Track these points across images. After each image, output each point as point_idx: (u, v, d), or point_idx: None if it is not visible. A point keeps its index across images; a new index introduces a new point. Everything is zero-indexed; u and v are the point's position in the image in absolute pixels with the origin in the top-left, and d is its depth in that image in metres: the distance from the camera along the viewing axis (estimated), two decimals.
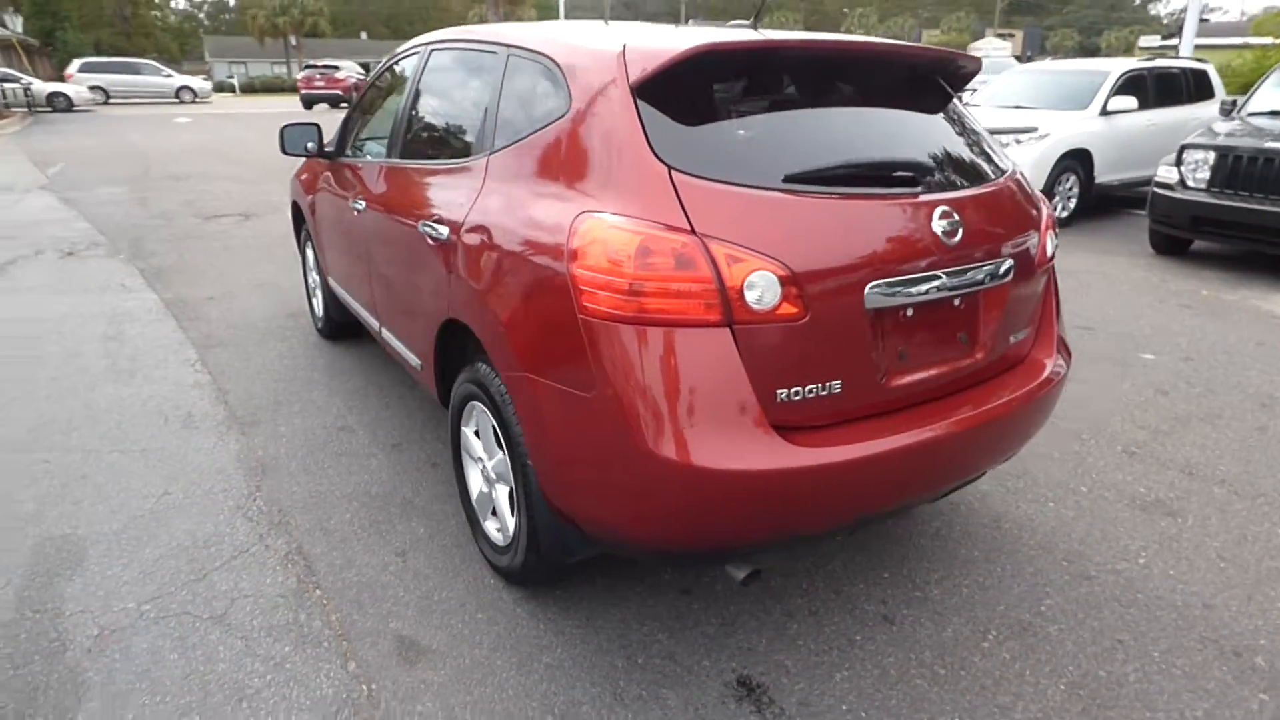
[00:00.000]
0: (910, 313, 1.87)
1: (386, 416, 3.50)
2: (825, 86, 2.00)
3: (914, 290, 1.81)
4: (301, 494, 2.86)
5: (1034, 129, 7.59)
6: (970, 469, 2.11)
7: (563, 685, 2.00)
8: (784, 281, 1.65)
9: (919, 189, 1.90)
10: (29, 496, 2.82)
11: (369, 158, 3.31)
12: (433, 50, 2.89)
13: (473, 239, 2.13)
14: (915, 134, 2.10)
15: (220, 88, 39.60)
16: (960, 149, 2.12)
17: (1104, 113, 7.90)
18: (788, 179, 1.74)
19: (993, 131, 7.75)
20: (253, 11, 51.68)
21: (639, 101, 1.77)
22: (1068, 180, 7.81)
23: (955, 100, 2.27)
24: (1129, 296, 5.55)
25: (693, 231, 1.63)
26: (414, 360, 2.77)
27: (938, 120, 2.16)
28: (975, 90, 9.70)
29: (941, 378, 1.98)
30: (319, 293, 4.36)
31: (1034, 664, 2.08)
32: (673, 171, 1.69)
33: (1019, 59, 29.83)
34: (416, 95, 2.90)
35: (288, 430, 3.36)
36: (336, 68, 30.07)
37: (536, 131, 2.05)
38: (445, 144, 2.66)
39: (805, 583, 2.41)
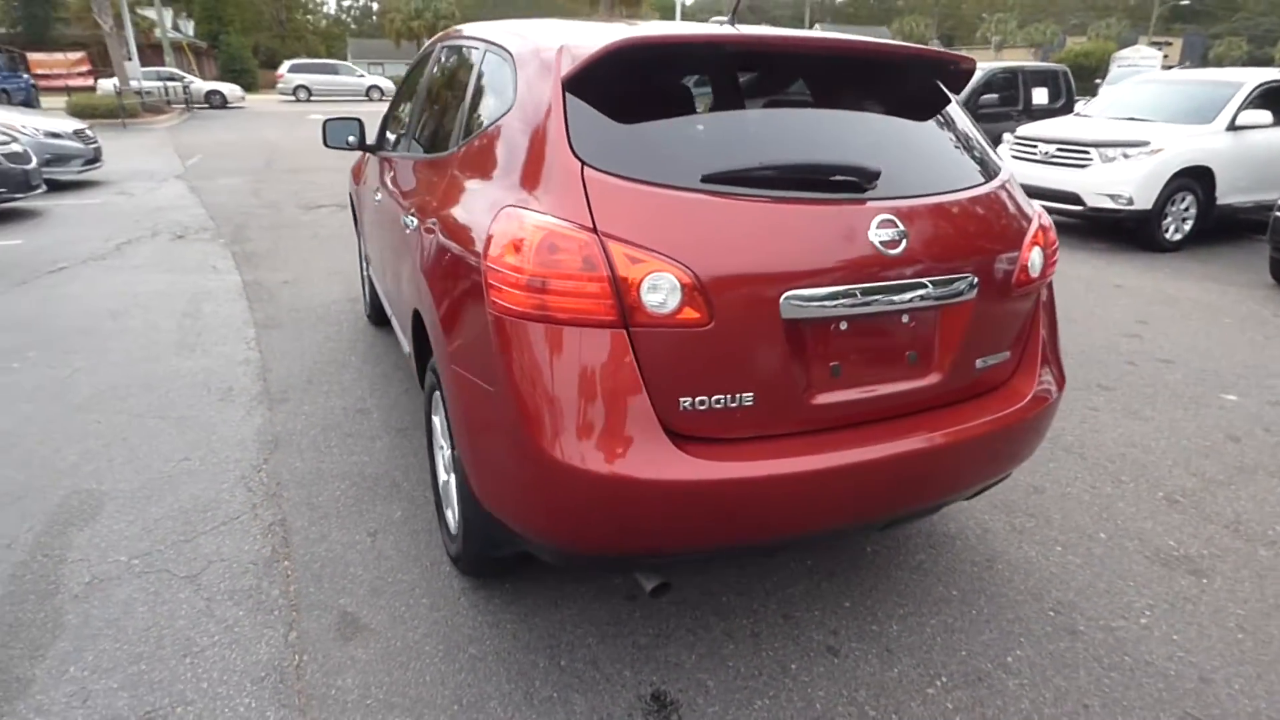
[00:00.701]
0: (844, 326, 1.77)
1: (404, 401, 3.64)
2: (770, 84, 1.93)
3: (840, 303, 1.71)
4: (303, 469, 3.03)
5: (1145, 143, 6.98)
6: (921, 500, 1.97)
7: (480, 677, 2.02)
8: (686, 285, 1.60)
9: (861, 194, 1.79)
10: (74, 452, 3.12)
11: (394, 151, 3.46)
12: (442, 47, 2.99)
13: (427, 230, 2.19)
14: (871, 136, 1.98)
15: None
16: (930, 153, 1.99)
17: (1232, 127, 7.17)
18: (706, 179, 1.68)
19: (1095, 144, 7.17)
20: (391, 16, 55.04)
21: (568, 97, 1.77)
22: (1183, 200, 7.13)
23: (945, 101, 2.12)
24: (1229, 330, 5.00)
25: (594, 229, 1.61)
26: (406, 347, 2.88)
27: (907, 122, 2.03)
28: (1087, 100, 9.03)
29: (887, 399, 1.86)
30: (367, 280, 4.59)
31: (977, 718, 1.92)
32: (586, 168, 1.67)
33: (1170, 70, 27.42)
34: (424, 91, 3.01)
35: (310, 409, 3.55)
36: None
37: (491, 124, 2.09)
38: (434, 138, 2.74)
39: (757, 604, 2.32)
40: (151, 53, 31.33)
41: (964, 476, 2.00)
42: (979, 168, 2.04)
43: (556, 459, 1.62)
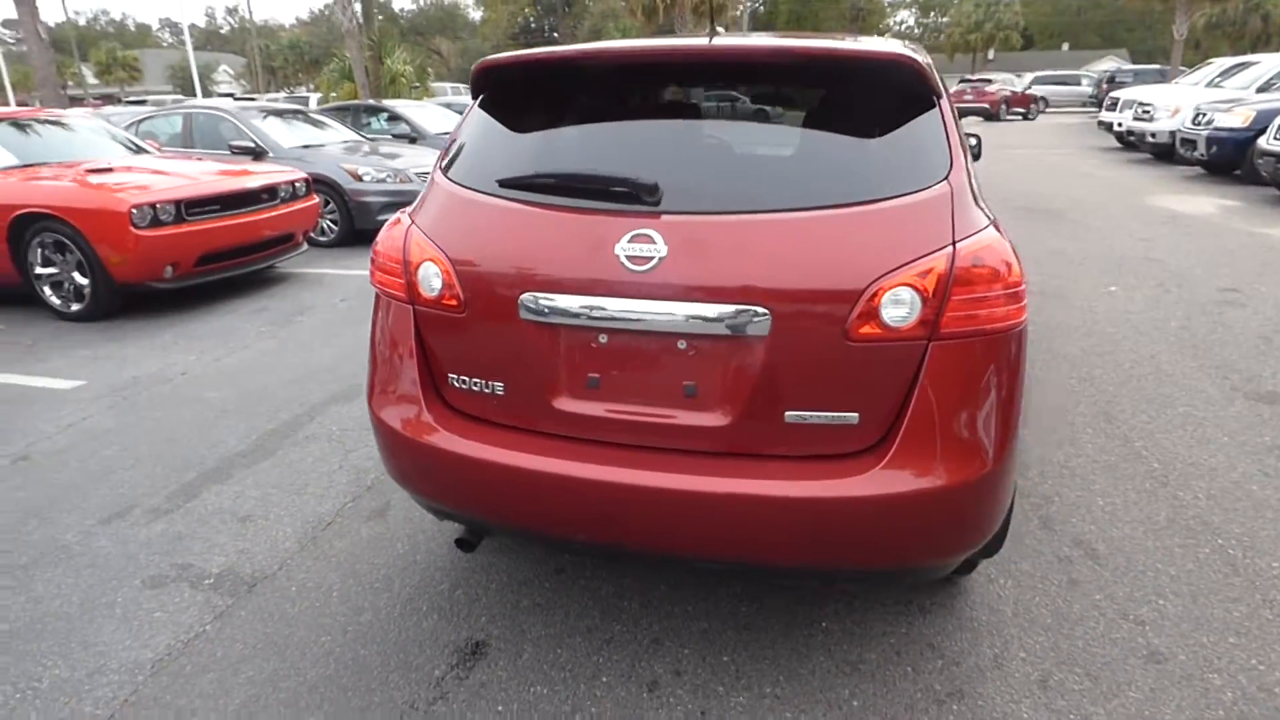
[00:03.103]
0: (604, 339, 1.71)
1: None
2: (625, 96, 1.88)
3: (577, 312, 1.68)
4: None
5: None
6: (698, 548, 1.74)
7: (376, 600, 2.38)
8: (445, 273, 1.81)
9: (630, 206, 1.67)
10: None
11: None
12: None
13: None
14: (698, 146, 1.76)
15: None
16: (765, 166, 1.69)
17: None
18: (501, 183, 1.82)
19: None
20: (949, 30, 54.28)
21: (473, 112, 2.08)
22: None
23: (849, 105, 1.74)
24: None
25: (412, 222, 1.94)
26: None
27: (767, 128, 1.75)
28: None
29: (659, 428, 1.72)
30: None
31: None
32: (437, 171, 1.99)
33: None
34: None
35: None
36: (989, 81, 29.61)
37: None
38: None
39: (646, 619, 2.26)
40: None
41: (762, 544, 1.68)
42: (851, 186, 1.62)
43: (371, 407, 2.02)
